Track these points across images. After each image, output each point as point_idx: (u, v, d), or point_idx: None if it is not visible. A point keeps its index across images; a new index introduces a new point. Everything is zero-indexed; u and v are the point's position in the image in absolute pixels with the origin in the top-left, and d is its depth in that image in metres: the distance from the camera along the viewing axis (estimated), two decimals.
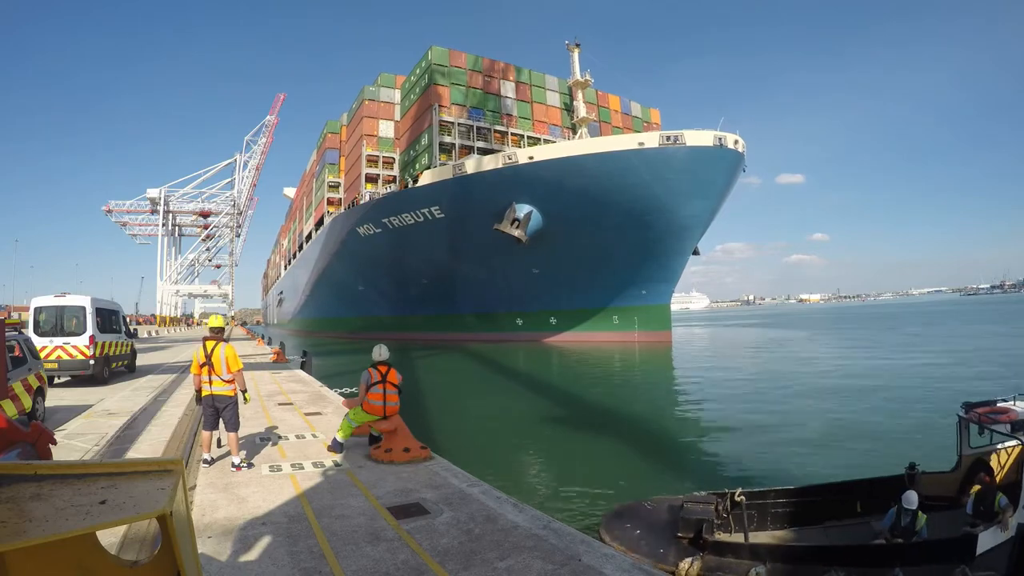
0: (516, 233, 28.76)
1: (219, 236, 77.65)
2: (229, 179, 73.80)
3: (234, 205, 73.10)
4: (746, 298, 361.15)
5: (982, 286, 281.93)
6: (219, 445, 6.42)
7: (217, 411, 5.78)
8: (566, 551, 3.57)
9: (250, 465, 5.79)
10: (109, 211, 72.05)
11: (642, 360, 24.71)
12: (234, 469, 5.62)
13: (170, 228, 74.23)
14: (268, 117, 72.22)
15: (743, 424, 10.87)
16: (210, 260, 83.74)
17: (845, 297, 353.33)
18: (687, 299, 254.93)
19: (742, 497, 4.31)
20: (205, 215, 74.75)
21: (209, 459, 5.83)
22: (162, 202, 69.29)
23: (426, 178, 32.96)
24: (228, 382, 5.76)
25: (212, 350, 5.75)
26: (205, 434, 5.89)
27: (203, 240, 77.33)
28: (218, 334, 5.94)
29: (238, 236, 79.56)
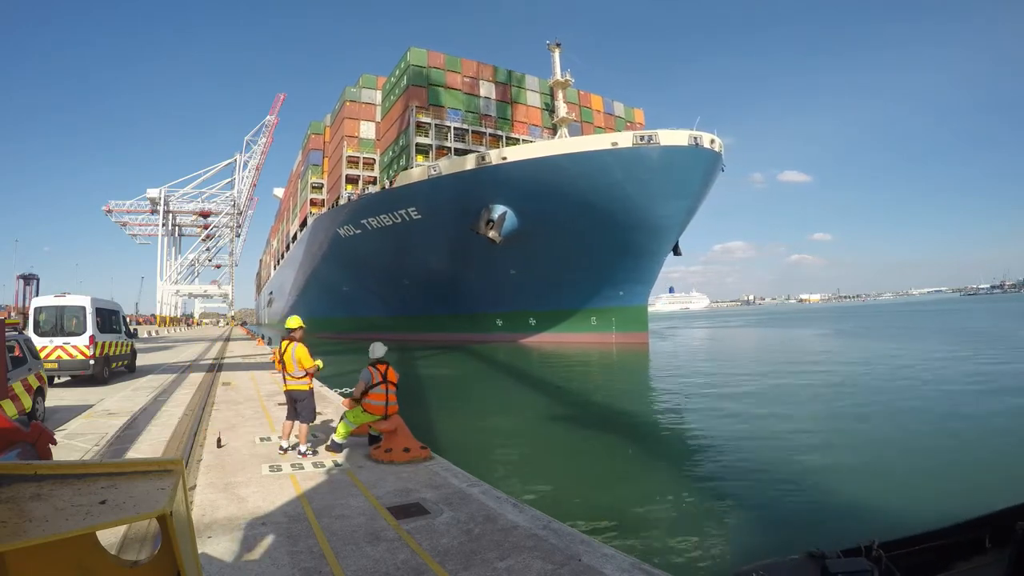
0: (490, 234, 28.83)
1: (219, 236, 77.78)
2: (229, 179, 73.96)
3: (234, 205, 73.18)
4: (746, 298, 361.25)
5: (982, 286, 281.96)
6: (219, 445, 6.44)
7: (295, 403, 6.39)
8: (566, 551, 3.57)
9: (314, 452, 6.28)
10: (109, 211, 72.17)
11: (627, 361, 24.80)
12: (300, 456, 6.13)
13: (170, 228, 74.32)
14: (268, 117, 72.38)
15: (734, 419, 10.88)
16: (210, 260, 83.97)
17: (845, 297, 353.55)
18: (687, 299, 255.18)
19: (880, 552, 3.30)
20: (205, 215, 74.85)
21: (285, 447, 6.36)
22: (162, 202, 69.36)
23: (402, 179, 33.13)
24: (300, 378, 6.36)
25: (285, 349, 6.39)
26: (286, 423, 6.50)
27: (203, 240, 77.47)
28: (291, 334, 6.49)
29: (238, 236, 79.70)
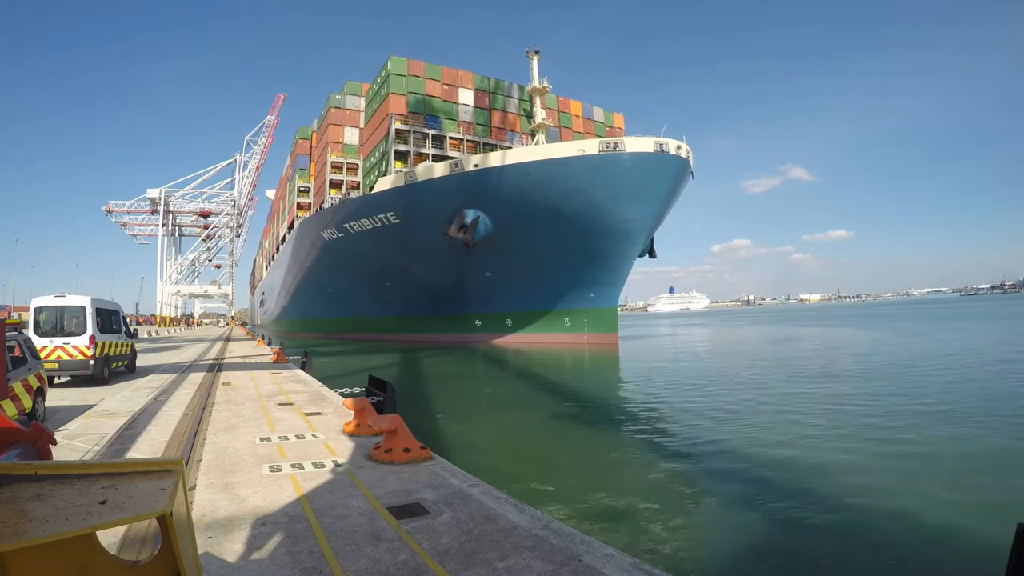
0: (464, 238, 29.74)
1: (219, 236, 77.75)
2: (229, 179, 74.02)
3: (234, 205, 73.20)
4: (746, 298, 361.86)
5: (982, 286, 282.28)
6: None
7: None
8: (566, 551, 3.56)
9: None
10: (109, 211, 72.20)
11: (605, 362, 25.17)
12: None
13: (170, 228, 74.36)
14: (268, 117, 72.36)
15: (734, 419, 10.92)
16: (210, 260, 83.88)
17: (845, 297, 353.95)
18: (687, 299, 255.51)
19: None
20: (205, 215, 74.86)
21: None
22: (162, 202, 69.40)
23: (381, 185, 34.02)
24: None
25: None
26: None
27: (203, 240, 77.42)
28: None
29: (238, 236, 79.71)
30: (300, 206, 51.03)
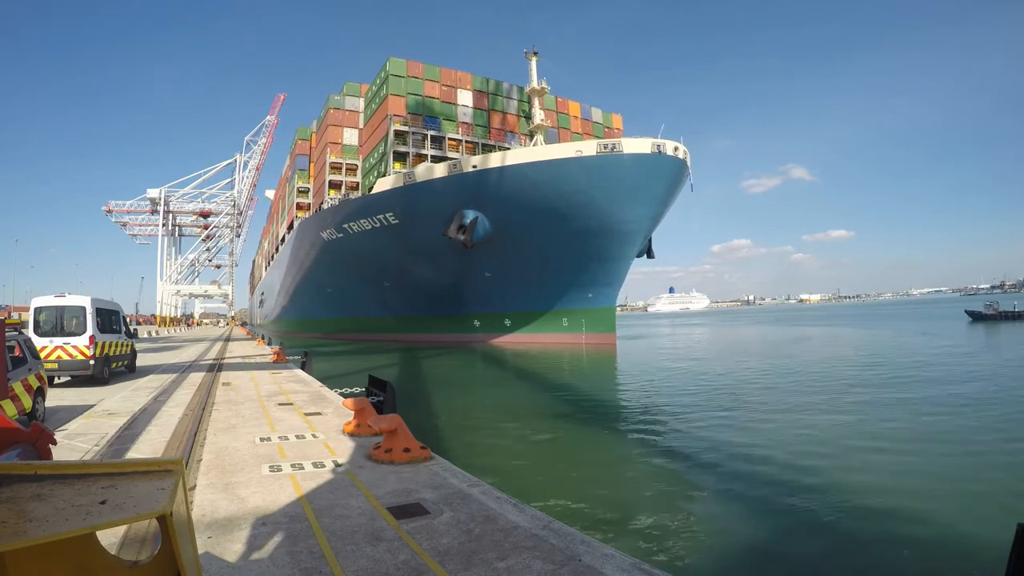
0: (462, 238, 29.98)
1: (219, 236, 77.72)
2: (229, 179, 73.98)
3: (234, 205, 73.18)
4: (746, 298, 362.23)
5: (982, 286, 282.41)
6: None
7: None
8: (566, 551, 3.56)
9: None
10: (109, 211, 72.17)
11: (604, 362, 25.30)
12: None
13: (170, 228, 74.34)
14: (268, 117, 72.29)
15: (729, 414, 10.92)
16: (210, 260, 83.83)
17: (845, 297, 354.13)
18: (687, 299, 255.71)
19: None
20: (205, 215, 74.83)
21: None
22: (162, 202, 69.39)
23: (380, 186, 34.27)
24: None
25: None
26: None
27: (203, 240, 77.38)
28: None
29: (238, 236, 79.69)
30: (299, 206, 51.36)
